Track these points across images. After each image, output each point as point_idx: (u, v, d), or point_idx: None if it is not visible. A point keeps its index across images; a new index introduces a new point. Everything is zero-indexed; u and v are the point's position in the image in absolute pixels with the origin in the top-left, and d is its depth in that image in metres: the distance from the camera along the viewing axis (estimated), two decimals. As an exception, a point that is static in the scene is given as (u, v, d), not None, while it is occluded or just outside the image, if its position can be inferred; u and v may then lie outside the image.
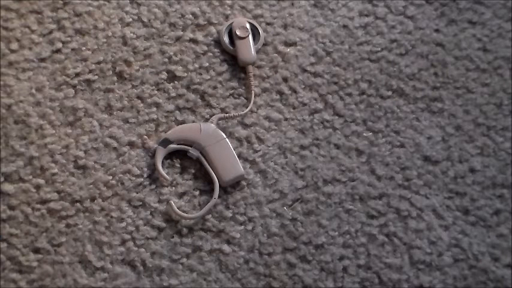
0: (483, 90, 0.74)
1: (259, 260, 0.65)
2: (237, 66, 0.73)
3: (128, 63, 0.71)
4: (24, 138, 0.67)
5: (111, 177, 0.66)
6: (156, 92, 0.70)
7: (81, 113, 0.68)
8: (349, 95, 0.72)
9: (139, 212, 0.65)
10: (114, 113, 0.69)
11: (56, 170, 0.66)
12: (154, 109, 0.69)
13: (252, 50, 0.72)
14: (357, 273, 0.65)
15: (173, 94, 0.70)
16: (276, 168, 0.68)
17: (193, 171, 0.67)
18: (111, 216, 0.65)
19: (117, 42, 0.72)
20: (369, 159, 0.70)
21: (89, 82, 0.70)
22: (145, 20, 0.73)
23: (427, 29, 0.76)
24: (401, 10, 0.77)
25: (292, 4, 0.76)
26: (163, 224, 0.65)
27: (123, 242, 0.64)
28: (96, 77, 0.70)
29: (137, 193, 0.66)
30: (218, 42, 0.73)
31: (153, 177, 0.67)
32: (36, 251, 0.63)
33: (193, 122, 0.69)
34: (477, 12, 0.78)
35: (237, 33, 0.72)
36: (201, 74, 0.72)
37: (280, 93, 0.72)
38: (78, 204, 0.65)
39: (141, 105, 0.70)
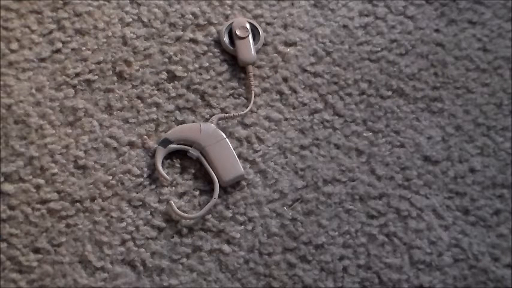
0: (483, 90, 0.74)
1: (259, 260, 0.65)
2: (237, 66, 0.73)
3: (127, 63, 0.71)
4: (24, 138, 0.67)
5: (111, 177, 0.66)
6: (156, 92, 0.70)
7: (81, 113, 0.68)
8: (349, 95, 0.72)
9: (139, 212, 0.65)
10: (114, 113, 0.69)
11: (56, 170, 0.66)
12: (154, 109, 0.69)
13: (252, 50, 0.72)
14: (357, 273, 0.65)
15: (173, 94, 0.70)
16: (276, 168, 0.68)
17: (193, 171, 0.67)
18: (111, 216, 0.65)
19: (117, 42, 0.72)
20: (369, 159, 0.70)
21: (89, 82, 0.70)
22: (145, 20, 0.73)
23: (427, 29, 0.76)
24: (401, 10, 0.77)
25: (292, 4, 0.76)
26: (163, 224, 0.65)
27: (123, 242, 0.64)
28: (96, 77, 0.70)
29: (137, 193, 0.66)
30: (218, 42, 0.73)
31: (153, 177, 0.67)
32: (36, 251, 0.63)
33: (193, 122, 0.69)
34: (477, 12, 0.78)
35: (237, 33, 0.72)
36: (201, 74, 0.72)
37: (280, 93, 0.72)
38: (78, 204, 0.65)
39: (141, 105, 0.70)
